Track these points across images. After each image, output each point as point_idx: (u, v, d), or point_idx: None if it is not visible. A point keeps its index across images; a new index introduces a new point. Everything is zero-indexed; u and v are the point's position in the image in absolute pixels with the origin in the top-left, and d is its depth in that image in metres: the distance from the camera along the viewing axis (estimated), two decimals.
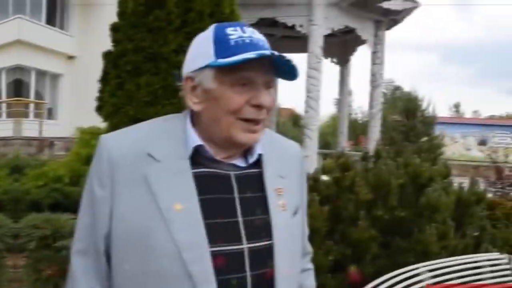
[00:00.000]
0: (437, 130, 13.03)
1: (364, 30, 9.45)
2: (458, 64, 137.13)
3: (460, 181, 4.62)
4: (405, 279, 2.64)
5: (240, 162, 1.26)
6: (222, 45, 1.17)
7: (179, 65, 5.15)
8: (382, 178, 3.61)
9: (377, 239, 3.48)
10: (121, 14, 4.76)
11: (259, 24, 9.31)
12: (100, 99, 5.07)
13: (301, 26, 8.61)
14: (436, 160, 5.43)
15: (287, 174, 1.32)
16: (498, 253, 3.18)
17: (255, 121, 1.19)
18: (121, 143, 1.21)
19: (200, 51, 1.21)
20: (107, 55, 4.85)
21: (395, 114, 16.29)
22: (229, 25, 1.21)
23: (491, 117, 60.08)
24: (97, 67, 4.71)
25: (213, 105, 1.19)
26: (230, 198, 1.20)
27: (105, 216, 1.17)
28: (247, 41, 1.17)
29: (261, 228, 1.21)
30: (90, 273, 1.19)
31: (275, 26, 10.50)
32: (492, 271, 3.05)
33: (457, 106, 73.27)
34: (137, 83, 4.49)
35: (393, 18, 9.56)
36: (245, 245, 1.17)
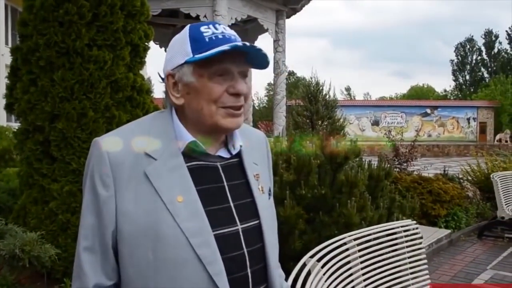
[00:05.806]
0: (339, 113, 13.83)
1: (266, 19, 9.72)
2: (346, 49, 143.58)
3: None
4: (335, 248, 2.89)
5: (224, 154, 1.39)
6: (198, 42, 1.29)
7: (93, 60, 5.10)
8: (303, 159, 3.87)
9: (302, 216, 3.75)
10: (28, 8, 4.60)
11: (161, 15, 9.30)
12: (10, 96, 4.88)
13: (205, 16, 8.71)
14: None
15: (259, 160, 1.49)
16: (409, 220, 3.54)
17: (234, 108, 1.31)
18: (119, 144, 1.30)
19: (178, 50, 1.32)
20: (16, 51, 4.68)
21: (292, 99, 16.94)
22: (202, 25, 1.33)
23: (382, 99, 63.76)
24: None
25: (194, 97, 1.30)
26: (221, 187, 1.34)
27: (111, 214, 1.26)
28: (220, 36, 1.29)
29: (249, 210, 1.37)
30: (97, 267, 1.28)
31: (175, 17, 10.48)
32: (406, 236, 3.40)
33: (348, 89, 77.03)
34: (52, 78, 4.39)
35: (292, 7, 9.93)
36: (239, 226, 1.33)
